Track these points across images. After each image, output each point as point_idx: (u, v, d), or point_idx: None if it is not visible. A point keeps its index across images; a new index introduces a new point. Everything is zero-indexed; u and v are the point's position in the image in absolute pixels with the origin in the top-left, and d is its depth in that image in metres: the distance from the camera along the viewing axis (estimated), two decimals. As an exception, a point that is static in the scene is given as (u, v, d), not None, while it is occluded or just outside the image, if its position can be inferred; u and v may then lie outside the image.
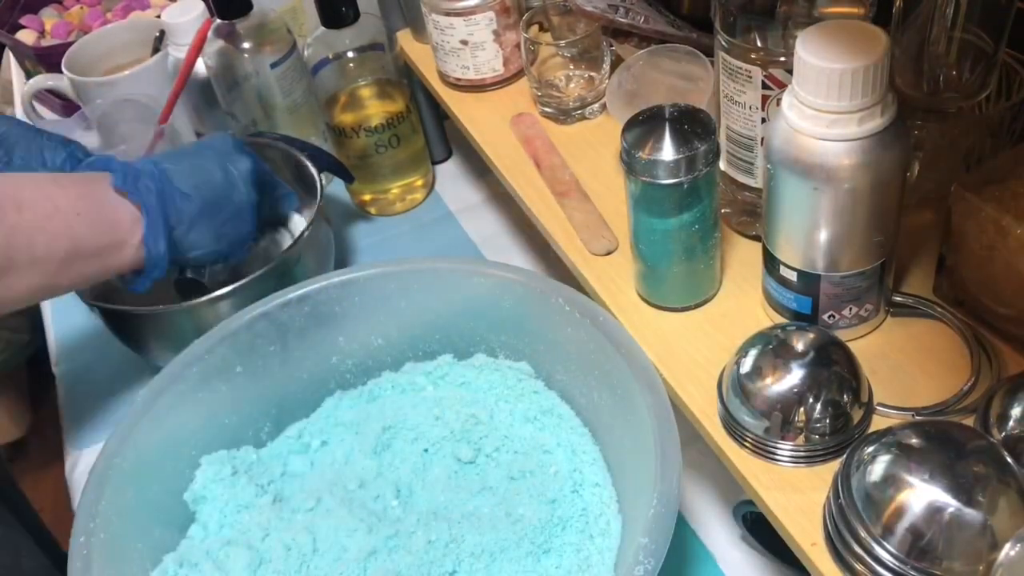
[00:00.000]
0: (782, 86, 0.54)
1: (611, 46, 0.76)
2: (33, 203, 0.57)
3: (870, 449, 0.45)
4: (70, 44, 0.98)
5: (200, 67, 0.85)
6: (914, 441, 0.44)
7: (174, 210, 0.64)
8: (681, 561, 0.64)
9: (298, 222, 0.82)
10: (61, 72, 0.95)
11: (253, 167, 0.70)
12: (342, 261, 0.89)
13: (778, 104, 0.53)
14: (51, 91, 1.00)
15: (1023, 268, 0.51)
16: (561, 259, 0.69)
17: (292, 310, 0.63)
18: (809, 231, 0.52)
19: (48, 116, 1.06)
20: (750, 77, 0.55)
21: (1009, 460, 0.43)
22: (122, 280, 0.67)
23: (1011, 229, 0.51)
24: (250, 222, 0.70)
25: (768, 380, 0.51)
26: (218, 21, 0.82)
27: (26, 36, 1.11)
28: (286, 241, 0.82)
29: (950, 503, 0.41)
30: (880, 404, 0.53)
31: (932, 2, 0.54)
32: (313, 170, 0.80)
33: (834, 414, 0.50)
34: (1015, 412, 0.48)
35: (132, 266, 0.64)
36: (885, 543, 0.43)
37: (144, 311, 0.70)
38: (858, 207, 0.50)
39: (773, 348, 0.51)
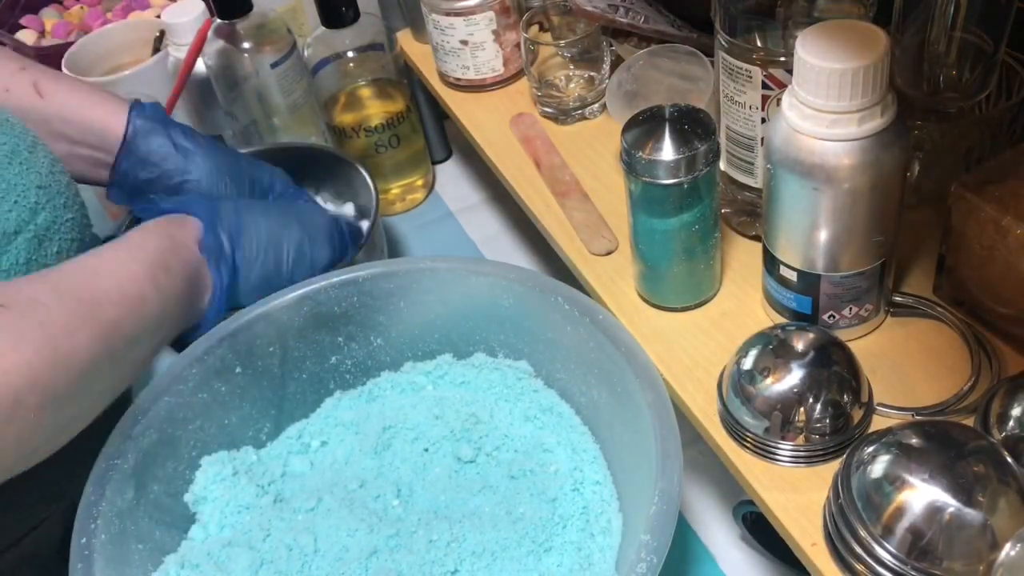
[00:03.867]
0: (782, 86, 0.54)
1: (611, 46, 0.76)
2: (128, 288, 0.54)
3: (870, 449, 0.45)
4: (70, 44, 0.98)
5: (200, 67, 0.85)
6: (914, 441, 0.44)
7: (238, 286, 0.63)
8: (681, 561, 0.65)
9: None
10: (61, 72, 0.95)
11: (330, 260, 0.68)
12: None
13: (778, 104, 0.53)
14: (51, 91, 1.00)
15: (1023, 268, 0.51)
16: (561, 259, 0.69)
17: (291, 310, 0.63)
18: (809, 231, 0.52)
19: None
20: (750, 77, 0.55)
21: (1009, 460, 0.43)
22: None
23: (1011, 229, 0.51)
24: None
25: (768, 380, 0.51)
26: (218, 21, 0.82)
27: (26, 36, 1.10)
28: None
29: (950, 503, 0.41)
30: (880, 404, 0.53)
31: (932, 2, 0.54)
32: (367, 176, 0.78)
33: (834, 414, 0.50)
34: (1015, 412, 0.48)
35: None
36: (885, 543, 0.43)
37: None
38: (858, 207, 0.50)
39: (773, 348, 0.51)
